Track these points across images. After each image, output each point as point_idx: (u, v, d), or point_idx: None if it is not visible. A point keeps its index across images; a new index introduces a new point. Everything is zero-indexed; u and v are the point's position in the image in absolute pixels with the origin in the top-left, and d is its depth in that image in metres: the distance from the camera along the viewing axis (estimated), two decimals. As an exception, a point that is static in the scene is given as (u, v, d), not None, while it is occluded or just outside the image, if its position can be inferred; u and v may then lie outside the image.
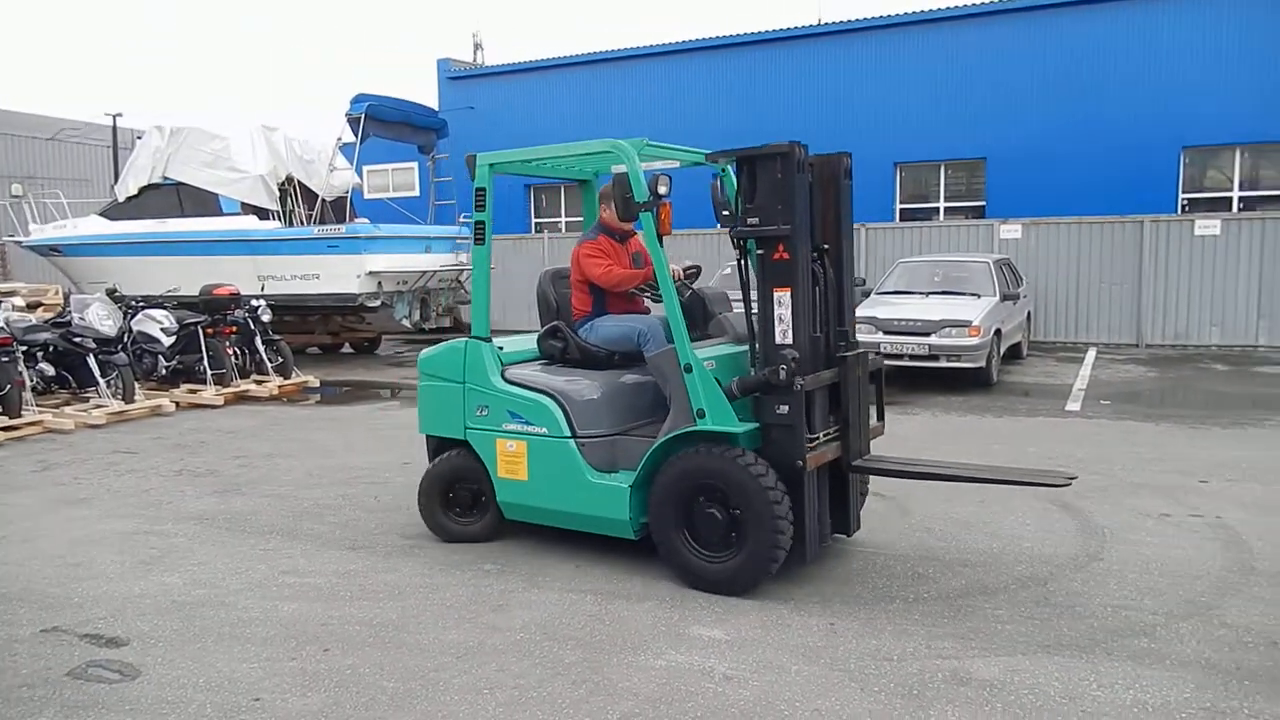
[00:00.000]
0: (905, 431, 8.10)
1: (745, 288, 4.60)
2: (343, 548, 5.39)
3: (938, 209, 17.83)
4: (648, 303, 5.48)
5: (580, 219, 20.40)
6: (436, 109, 17.96)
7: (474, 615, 4.32)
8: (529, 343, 5.53)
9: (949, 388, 10.61)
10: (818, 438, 4.49)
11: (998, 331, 11.07)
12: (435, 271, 14.43)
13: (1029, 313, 13.79)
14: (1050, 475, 4.62)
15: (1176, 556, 4.88)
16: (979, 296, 11.39)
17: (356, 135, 14.21)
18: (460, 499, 5.42)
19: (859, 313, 11.54)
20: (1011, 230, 14.98)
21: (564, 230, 20.69)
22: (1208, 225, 13.99)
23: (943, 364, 10.50)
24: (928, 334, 10.54)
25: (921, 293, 11.73)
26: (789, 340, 4.40)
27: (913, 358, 10.62)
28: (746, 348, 4.77)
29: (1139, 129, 15.77)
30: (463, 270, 15.26)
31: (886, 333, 10.70)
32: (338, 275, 13.55)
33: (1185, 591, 4.43)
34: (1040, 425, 8.64)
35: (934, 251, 14.70)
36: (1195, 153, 16.05)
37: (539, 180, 21.20)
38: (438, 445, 5.56)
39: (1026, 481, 4.64)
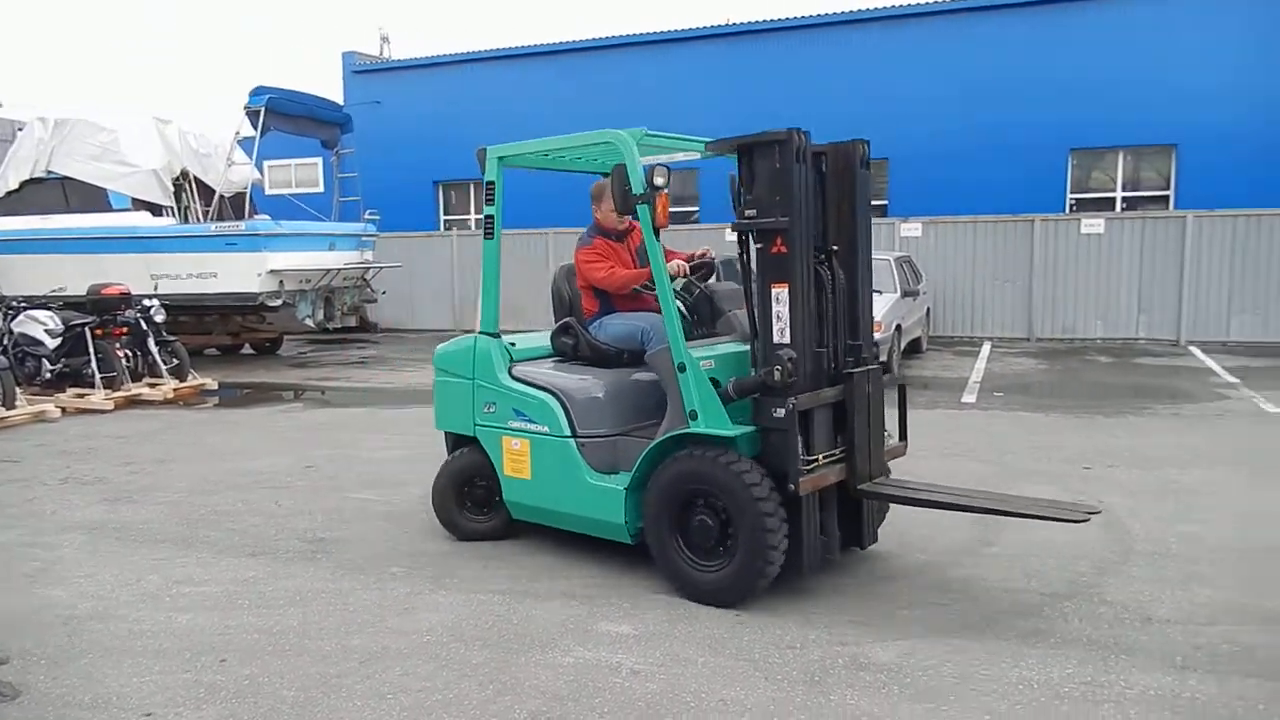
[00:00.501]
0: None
1: (747, 284, 4.43)
2: (241, 555, 5.22)
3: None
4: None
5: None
6: (341, 103, 17.52)
7: (378, 620, 4.25)
8: (543, 340, 5.48)
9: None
10: (816, 459, 4.26)
11: (898, 327, 11.43)
12: (339, 269, 14.09)
13: (928, 308, 14.24)
14: (1070, 509, 4.37)
15: (1061, 540, 5.12)
16: (880, 293, 11.70)
17: (256, 129, 13.77)
18: (475, 496, 5.36)
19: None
20: (912, 229, 15.47)
21: (473, 228, 20.48)
22: (1093, 224, 14.70)
23: (846, 359, 10.79)
24: None
25: None
26: (786, 339, 4.21)
27: (816, 353, 10.93)
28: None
29: (1031, 132, 16.45)
30: (368, 268, 14.93)
31: None
32: (237, 273, 13.09)
33: (1068, 573, 4.66)
34: (939, 417, 8.94)
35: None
36: (1082, 155, 16.84)
37: (454, 178, 20.97)
38: (454, 442, 5.53)
39: (1045, 516, 4.31)
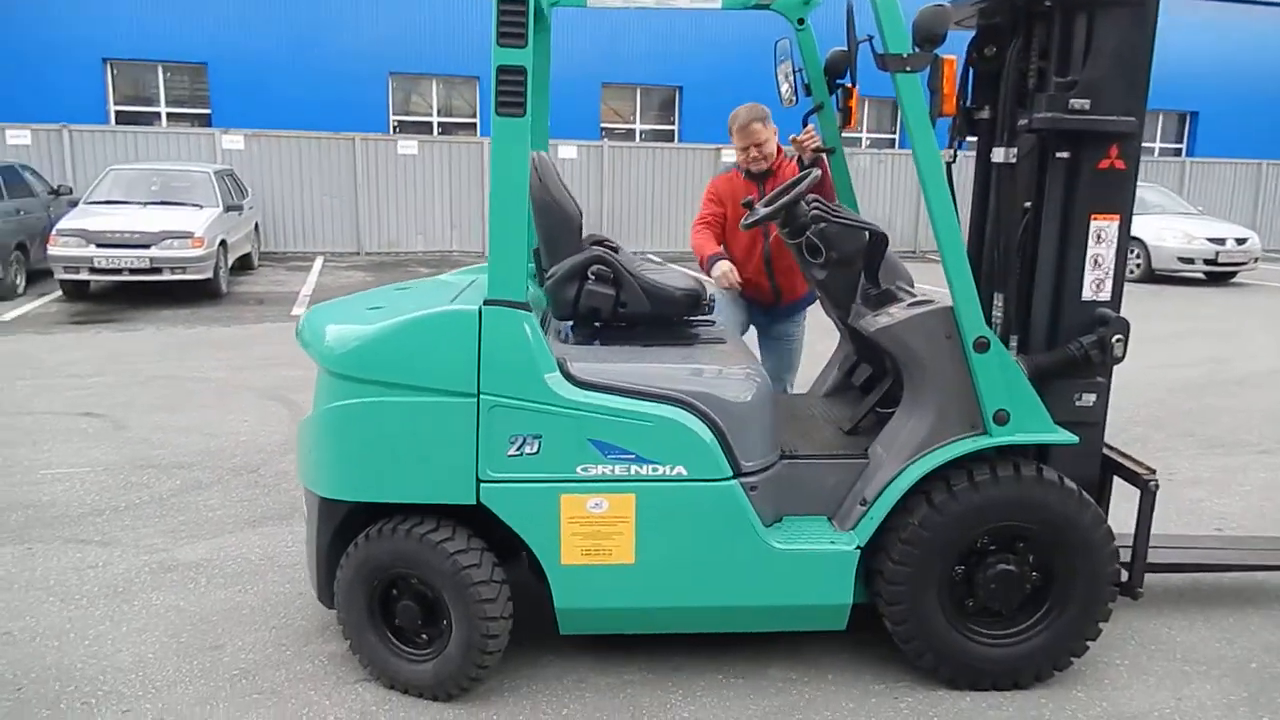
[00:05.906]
0: (132, 349, 7.92)
1: (1008, 210, 3.02)
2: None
3: (159, 114, 16.21)
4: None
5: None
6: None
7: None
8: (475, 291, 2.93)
9: (176, 301, 10.35)
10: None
11: (223, 242, 10.90)
12: None
13: (256, 223, 13.93)
14: None
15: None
16: (201, 207, 10.94)
17: None
18: (407, 613, 2.85)
19: (67, 224, 9.97)
20: (234, 141, 14.93)
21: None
22: (407, 146, 15.84)
23: (166, 277, 10.08)
24: (148, 246, 9.96)
25: (139, 203, 10.96)
26: (1105, 296, 2.93)
27: (133, 271, 9.99)
28: (921, 310, 2.87)
29: (351, 55, 16.65)
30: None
31: (100, 245, 9.89)
32: None
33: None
34: (267, 330, 8.84)
35: (152, 159, 13.85)
36: (400, 79, 17.23)
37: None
38: (348, 514, 2.85)
39: None
